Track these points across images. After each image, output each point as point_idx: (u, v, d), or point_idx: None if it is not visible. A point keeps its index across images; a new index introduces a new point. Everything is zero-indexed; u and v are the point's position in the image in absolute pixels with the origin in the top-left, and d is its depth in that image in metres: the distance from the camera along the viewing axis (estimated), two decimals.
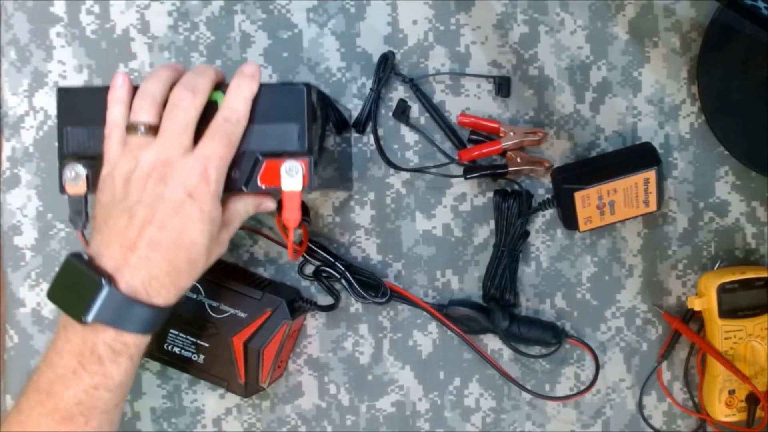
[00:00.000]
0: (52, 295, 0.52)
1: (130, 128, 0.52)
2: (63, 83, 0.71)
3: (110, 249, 0.50)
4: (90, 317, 0.48)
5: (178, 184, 0.50)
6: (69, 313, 0.49)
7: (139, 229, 0.49)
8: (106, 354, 0.50)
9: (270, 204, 0.59)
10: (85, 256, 0.50)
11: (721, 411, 0.67)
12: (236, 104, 0.54)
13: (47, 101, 0.72)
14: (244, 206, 0.58)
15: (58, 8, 0.71)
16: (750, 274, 0.66)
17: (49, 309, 0.73)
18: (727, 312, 0.66)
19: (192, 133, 0.52)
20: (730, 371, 0.66)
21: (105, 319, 0.49)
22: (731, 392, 0.67)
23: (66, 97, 0.56)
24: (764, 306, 0.66)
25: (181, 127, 0.51)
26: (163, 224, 0.49)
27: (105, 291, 0.48)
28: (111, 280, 0.48)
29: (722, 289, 0.66)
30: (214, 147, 0.52)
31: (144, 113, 0.52)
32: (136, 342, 0.51)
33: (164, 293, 0.51)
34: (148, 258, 0.49)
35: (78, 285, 0.49)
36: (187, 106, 0.52)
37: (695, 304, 0.66)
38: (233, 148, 0.53)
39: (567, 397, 0.72)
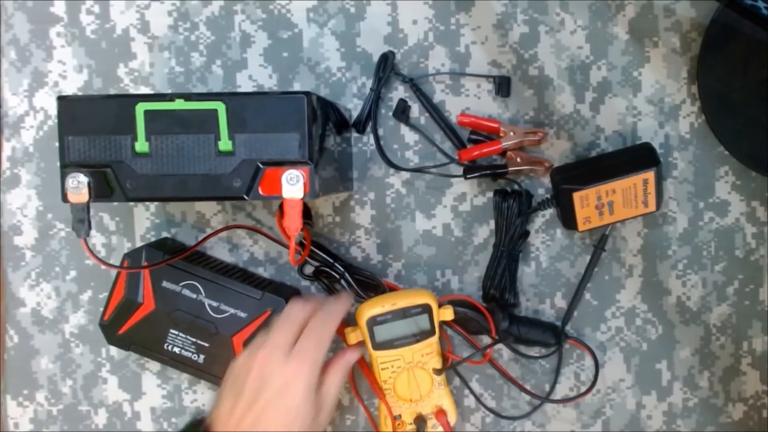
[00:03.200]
0: None
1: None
2: (63, 83, 0.72)
3: (216, 425, 0.58)
4: None
5: (273, 379, 0.58)
6: None
7: (238, 419, 0.57)
8: None
9: (353, 355, 0.65)
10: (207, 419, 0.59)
11: None
12: (327, 323, 0.62)
13: (47, 101, 0.72)
14: (336, 377, 0.62)
15: (58, 8, 0.71)
16: (402, 304, 0.65)
17: (49, 309, 0.73)
18: (381, 344, 0.65)
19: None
20: (379, 397, 0.67)
21: None
22: (397, 417, 0.67)
23: (67, 106, 0.56)
24: (422, 333, 0.65)
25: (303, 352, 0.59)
26: (258, 418, 0.56)
27: None
28: None
29: (373, 322, 0.64)
30: (309, 342, 0.60)
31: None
32: None
33: None
34: None
35: None
36: (314, 351, 0.60)
37: (350, 338, 0.65)
38: (327, 339, 0.61)
39: (568, 399, 0.72)
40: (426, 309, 0.65)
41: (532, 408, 0.72)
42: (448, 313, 0.66)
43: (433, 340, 0.66)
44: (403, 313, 0.65)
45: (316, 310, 0.63)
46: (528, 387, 0.72)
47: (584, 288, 0.71)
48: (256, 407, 0.57)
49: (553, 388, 0.72)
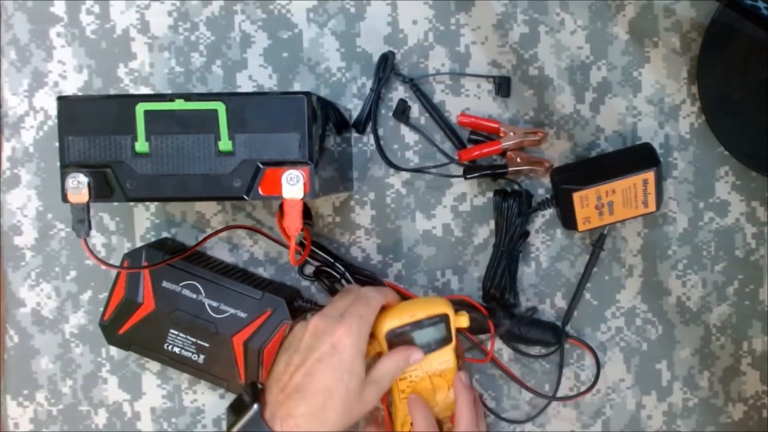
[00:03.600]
0: (229, 408, 0.61)
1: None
2: (63, 83, 0.72)
3: (270, 384, 0.60)
4: (235, 428, 0.58)
5: (325, 337, 0.59)
6: (228, 422, 0.60)
7: (291, 373, 0.59)
8: None
9: (417, 355, 0.64)
10: (260, 386, 0.61)
11: None
12: (369, 292, 0.64)
13: (47, 101, 0.72)
14: (395, 364, 0.62)
15: (58, 8, 0.71)
16: (420, 315, 0.64)
17: (49, 309, 0.73)
18: None
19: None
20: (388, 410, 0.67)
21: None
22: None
23: (67, 106, 0.56)
24: (440, 341, 0.64)
25: (352, 316, 0.61)
26: (309, 371, 0.58)
27: (252, 412, 0.57)
28: (262, 406, 0.58)
29: (392, 335, 0.63)
30: (357, 308, 0.61)
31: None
32: None
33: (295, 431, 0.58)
34: (290, 398, 0.58)
35: (242, 403, 0.59)
36: (363, 314, 0.61)
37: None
38: (374, 311, 0.62)
39: (567, 397, 0.72)
40: (443, 319, 0.64)
41: (538, 410, 0.72)
42: (464, 320, 0.65)
43: (450, 347, 0.65)
44: (421, 324, 0.64)
45: (366, 289, 0.65)
46: (528, 387, 0.72)
47: (584, 287, 0.71)
48: (309, 362, 0.58)
49: (557, 386, 0.71)
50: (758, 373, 0.72)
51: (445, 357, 0.65)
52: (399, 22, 0.70)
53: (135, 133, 0.56)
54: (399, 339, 0.63)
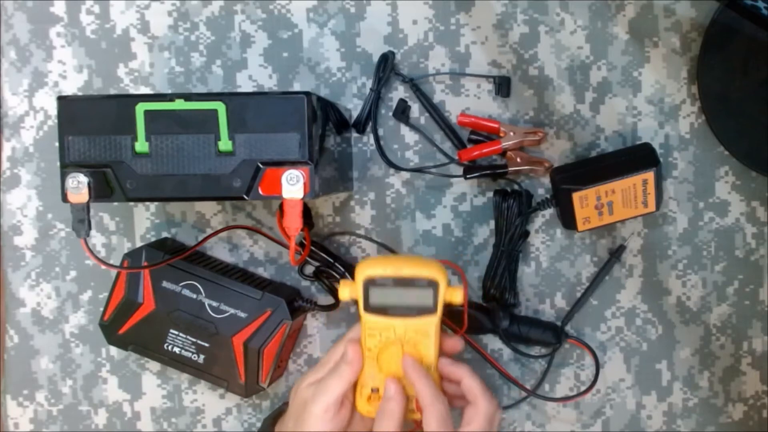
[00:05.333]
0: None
1: None
2: (63, 83, 0.72)
3: None
4: None
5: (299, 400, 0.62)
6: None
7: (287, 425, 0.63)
8: None
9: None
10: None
11: (364, 406, 0.61)
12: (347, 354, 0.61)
13: (47, 101, 0.72)
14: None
15: (58, 8, 0.71)
16: (407, 272, 0.58)
17: (49, 309, 0.73)
18: (374, 308, 0.59)
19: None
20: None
21: None
22: (374, 390, 0.60)
23: (67, 106, 0.56)
24: (422, 309, 0.58)
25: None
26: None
27: None
28: None
29: (370, 283, 0.58)
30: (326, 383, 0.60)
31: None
32: None
33: None
34: None
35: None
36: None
37: (342, 292, 0.59)
38: (343, 386, 0.60)
39: (567, 397, 0.72)
40: (432, 285, 0.58)
41: (538, 409, 0.72)
42: (457, 295, 0.59)
43: (433, 320, 0.59)
44: (406, 282, 0.58)
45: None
46: (527, 386, 0.72)
47: (591, 294, 0.71)
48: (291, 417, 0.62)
49: (541, 382, 0.71)
50: (758, 373, 0.72)
51: (424, 329, 0.59)
52: (399, 22, 0.70)
53: (135, 133, 0.56)
54: (377, 293, 0.59)
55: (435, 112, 0.70)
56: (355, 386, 0.61)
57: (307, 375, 0.62)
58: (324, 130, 0.59)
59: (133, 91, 0.72)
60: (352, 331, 0.62)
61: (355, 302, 0.60)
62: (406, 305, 0.59)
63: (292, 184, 0.55)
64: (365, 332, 0.60)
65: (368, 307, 0.59)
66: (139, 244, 0.72)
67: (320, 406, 0.59)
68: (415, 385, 0.58)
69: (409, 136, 0.71)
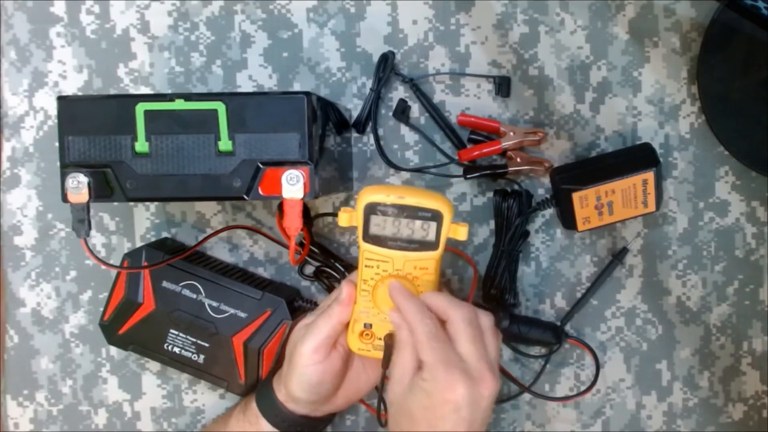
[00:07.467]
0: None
1: None
2: (63, 83, 0.72)
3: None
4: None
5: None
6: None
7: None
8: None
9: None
10: None
11: (355, 343, 0.60)
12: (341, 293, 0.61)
13: (47, 101, 0.72)
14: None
15: (58, 8, 0.71)
16: (410, 201, 0.56)
17: (49, 309, 0.73)
18: (373, 237, 0.57)
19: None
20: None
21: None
22: (367, 326, 0.59)
23: (67, 106, 0.56)
24: (423, 242, 0.56)
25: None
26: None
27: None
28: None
29: (371, 210, 0.56)
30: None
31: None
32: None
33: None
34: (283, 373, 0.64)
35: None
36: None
37: (341, 218, 0.57)
38: (333, 324, 0.60)
39: (567, 397, 0.72)
40: (436, 217, 0.56)
41: (538, 409, 0.72)
42: (462, 232, 0.56)
43: (433, 256, 0.57)
44: (408, 212, 0.56)
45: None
46: (526, 386, 0.72)
47: (592, 295, 0.71)
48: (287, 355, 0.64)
49: (536, 379, 0.71)
50: (758, 373, 0.72)
51: (423, 264, 0.57)
52: (399, 22, 0.70)
53: (135, 133, 0.56)
54: (378, 221, 0.56)
55: (435, 112, 0.70)
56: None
57: (305, 318, 0.63)
58: (324, 130, 0.59)
59: (133, 91, 0.72)
60: (354, 273, 0.61)
61: (355, 231, 0.57)
62: (407, 237, 0.57)
63: (292, 184, 0.55)
64: (362, 263, 0.58)
65: (367, 237, 0.57)
66: (139, 244, 0.72)
67: (309, 346, 0.59)
68: (401, 306, 0.56)
69: (409, 136, 0.71)
